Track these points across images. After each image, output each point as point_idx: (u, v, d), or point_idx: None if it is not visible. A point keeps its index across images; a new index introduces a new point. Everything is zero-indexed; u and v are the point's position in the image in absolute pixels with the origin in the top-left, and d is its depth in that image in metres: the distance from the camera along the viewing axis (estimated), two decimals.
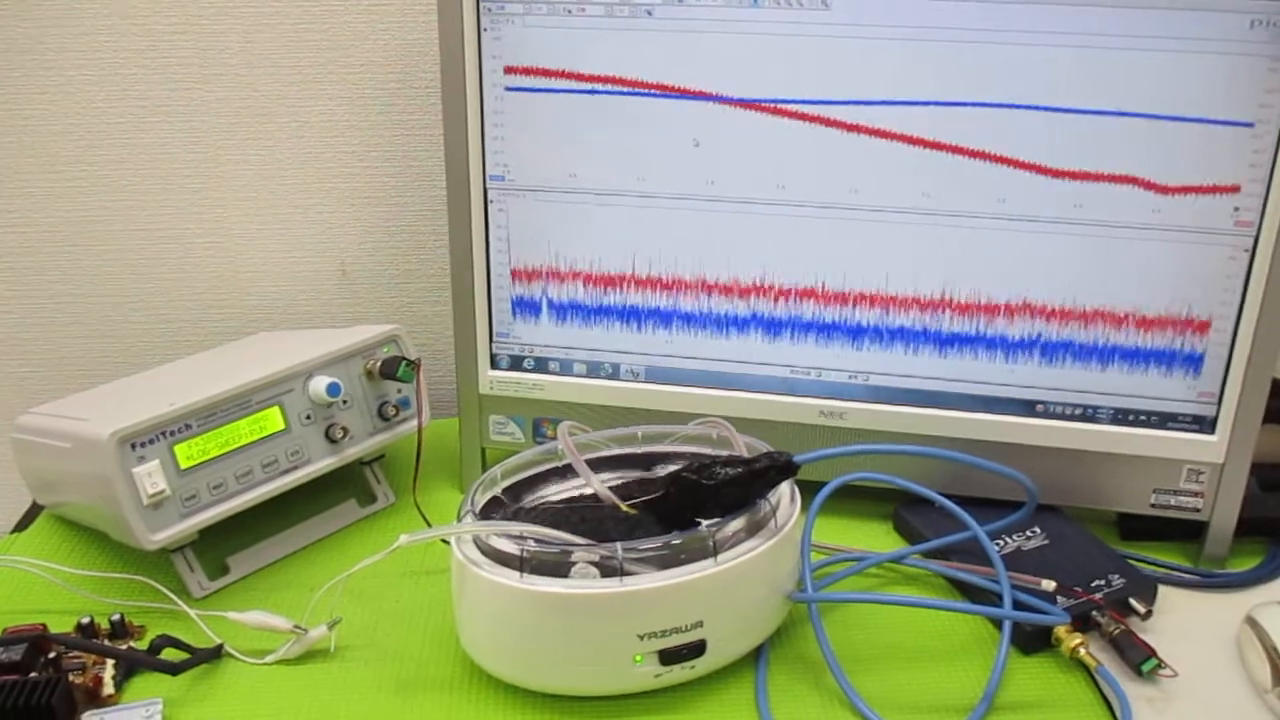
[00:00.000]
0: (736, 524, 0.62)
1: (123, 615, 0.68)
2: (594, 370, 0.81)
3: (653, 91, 0.73)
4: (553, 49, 0.73)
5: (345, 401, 0.77)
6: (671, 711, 0.62)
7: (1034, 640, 0.66)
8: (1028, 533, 0.74)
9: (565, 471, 0.71)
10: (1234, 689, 0.64)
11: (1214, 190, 0.68)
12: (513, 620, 0.60)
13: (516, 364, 0.82)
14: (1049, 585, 0.67)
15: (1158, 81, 0.67)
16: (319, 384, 0.74)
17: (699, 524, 0.63)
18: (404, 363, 0.77)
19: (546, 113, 0.74)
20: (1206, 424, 0.73)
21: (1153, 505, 0.75)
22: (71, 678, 0.63)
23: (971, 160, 0.70)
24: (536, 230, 0.78)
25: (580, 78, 0.73)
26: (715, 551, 0.60)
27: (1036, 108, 0.69)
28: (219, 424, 0.70)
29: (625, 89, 0.73)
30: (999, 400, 0.76)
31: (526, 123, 0.75)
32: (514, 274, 0.79)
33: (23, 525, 0.81)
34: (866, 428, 0.77)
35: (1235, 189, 0.68)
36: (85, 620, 0.67)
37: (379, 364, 0.78)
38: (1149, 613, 0.68)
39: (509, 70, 0.74)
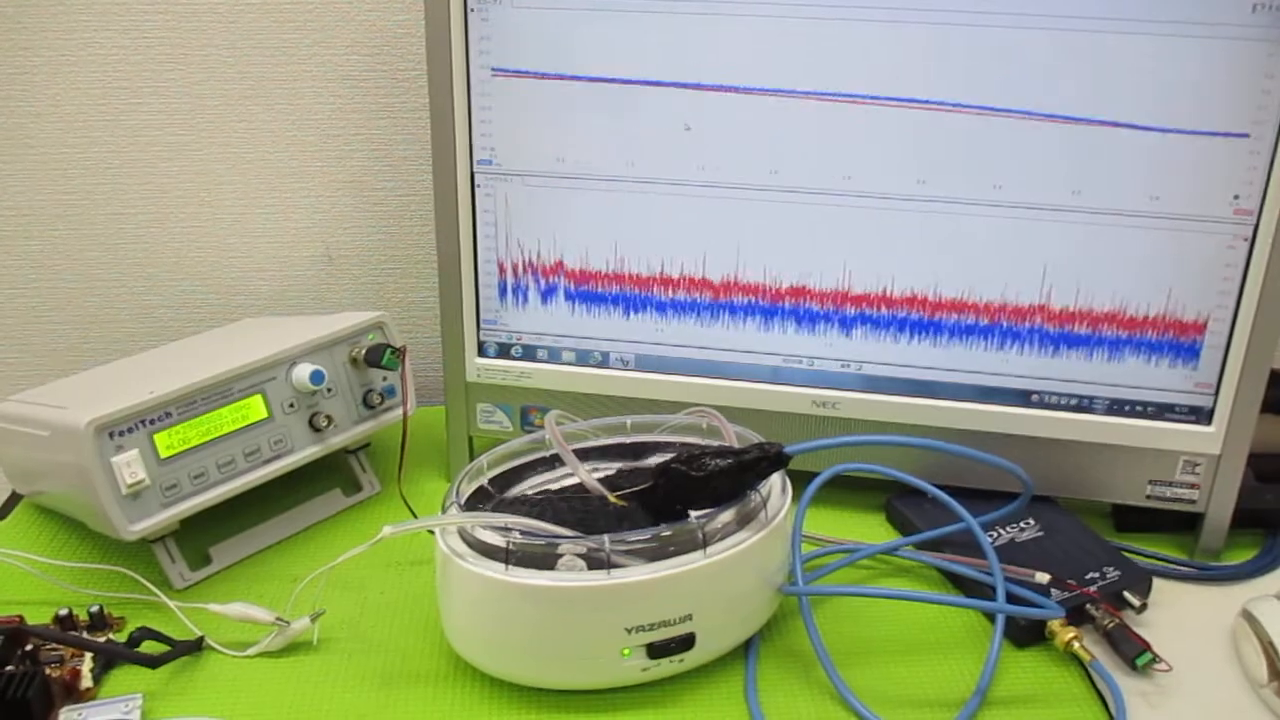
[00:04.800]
0: (726, 516, 0.61)
1: (102, 607, 0.67)
2: (583, 358, 0.80)
3: (643, 77, 0.71)
4: (541, 32, 0.72)
5: (329, 389, 0.76)
6: (660, 705, 0.61)
7: (1027, 633, 0.65)
8: (1022, 524, 0.73)
9: (553, 461, 0.70)
10: (1229, 683, 0.63)
11: (1211, 178, 0.67)
12: (498, 613, 0.60)
13: (504, 352, 0.81)
14: (1043, 578, 0.67)
15: (1156, 67, 0.66)
16: (302, 372, 0.73)
17: (688, 515, 0.62)
18: (389, 350, 0.76)
19: (535, 96, 0.73)
20: (1203, 415, 0.72)
21: (1148, 497, 0.75)
22: (49, 671, 0.62)
23: (967, 147, 0.69)
24: (525, 215, 0.77)
25: (569, 62, 0.72)
26: (705, 543, 0.60)
27: (1032, 94, 0.67)
28: (200, 412, 0.69)
29: (615, 73, 0.72)
30: (993, 390, 0.75)
31: (514, 106, 0.74)
32: (501, 259, 0.78)
33: (1, 514, 0.80)
34: (859, 418, 0.76)
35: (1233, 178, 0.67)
36: (63, 612, 0.66)
37: (364, 351, 0.76)
38: (1144, 606, 0.67)
39: (498, 63, 0.72)
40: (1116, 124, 0.67)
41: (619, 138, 0.73)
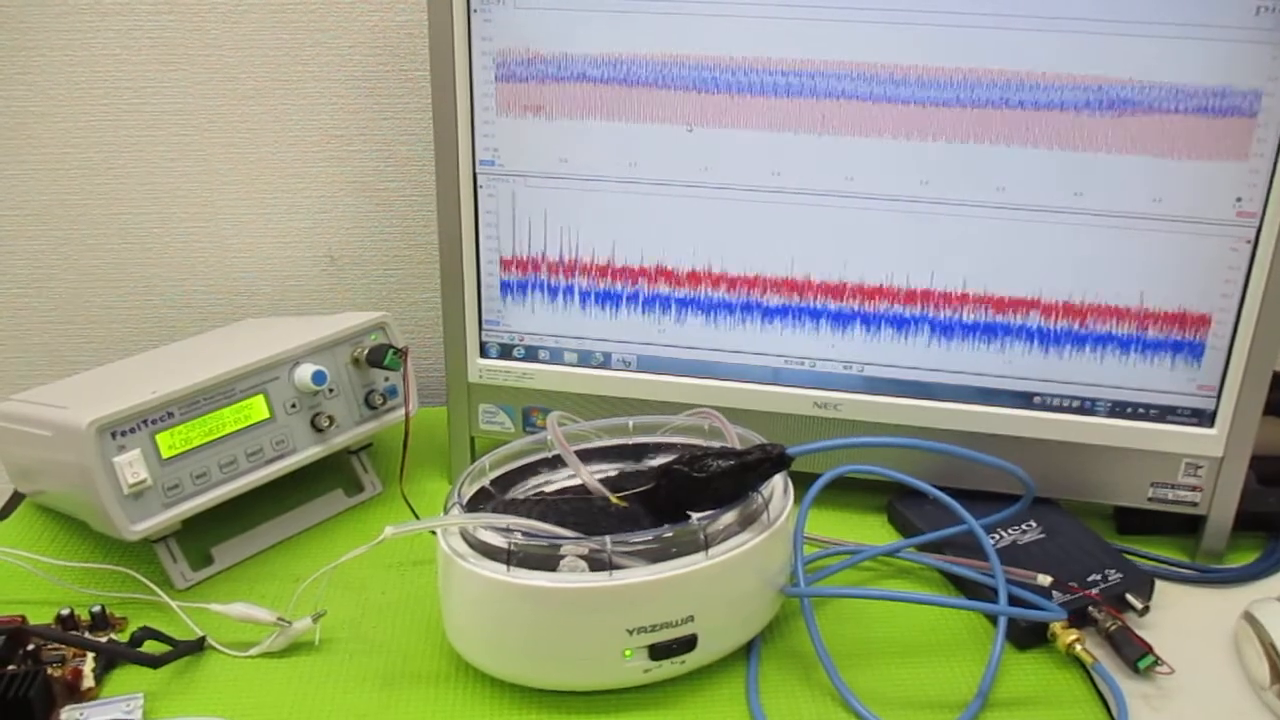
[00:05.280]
0: (728, 517, 0.61)
1: (104, 607, 0.67)
2: (585, 359, 0.80)
3: (645, 78, 0.71)
4: (544, 32, 0.72)
5: (331, 390, 0.76)
6: (661, 707, 0.61)
7: (1029, 636, 0.65)
8: (1024, 526, 0.73)
9: (555, 462, 0.70)
10: (1231, 686, 0.63)
11: (1214, 180, 0.67)
12: (500, 614, 0.60)
13: (506, 352, 0.81)
14: (1045, 580, 0.67)
15: (1158, 69, 0.65)
16: (304, 372, 0.73)
17: (690, 517, 0.62)
18: (391, 350, 0.76)
19: (538, 97, 0.73)
20: (1206, 417, 0.72)
21: (1150, 499, 0.74)
22: (50, 671, 0.62)
23: (969, 148, 0.69)
24: (527, 216, 0.77)
25: (572, 61, 0.72)
26: (706, 545, 0.60)
27: (1035, 96, 0.67)
28: (202, 412, 0.69)
29: (617, 73, 0.72)
30: (996, 392, 0.75)
31: (517, 107, 0.74)
32: (504, 261, 0.78)
33: (3, 514, 0.80)
34: (861, 419, 0.76)
35: (1236, 181, 0.67)
36: (65, 612, 0.66)
37: (366, 352, 0.76)
38: (1146, 608, 0.67)
39: (500, 54, 0.72)
40: (1119, 125, 0.67)
41: (621, 139, 0.73)
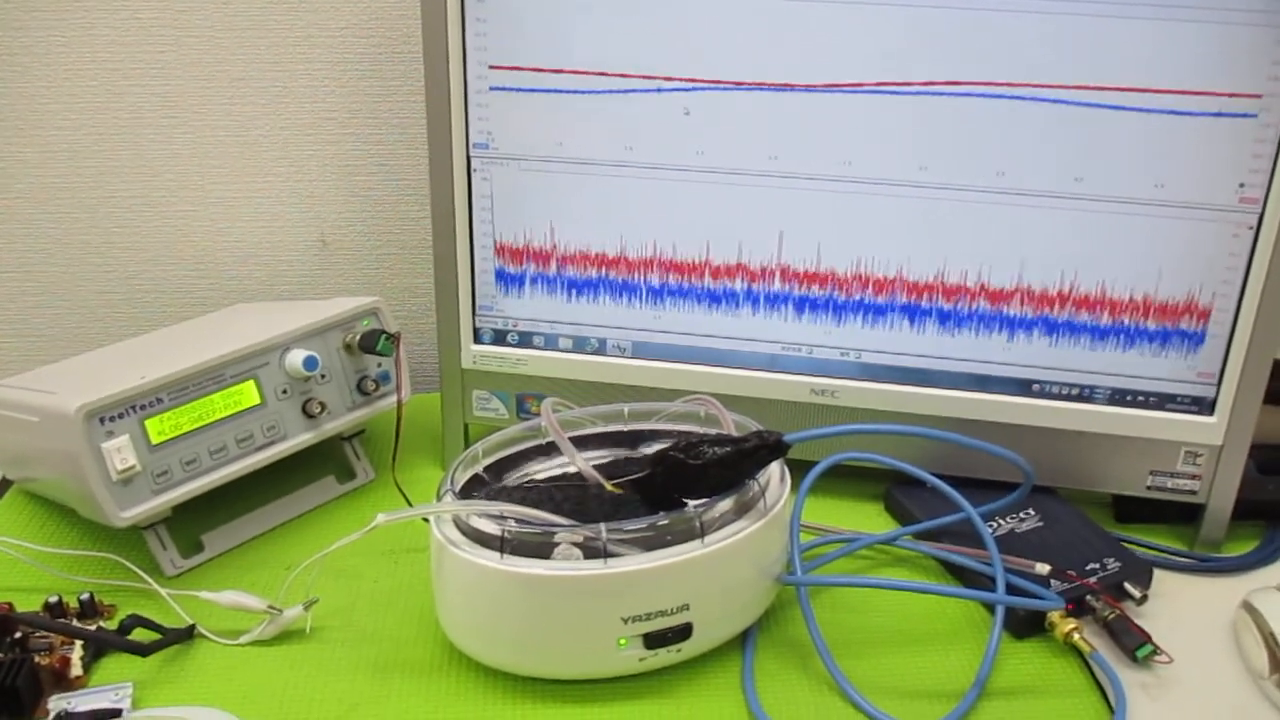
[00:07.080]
0: (724, 505, 0.61)
1: (92, 594, 0.66)
2: (580, 345, 0.79)
3: (641, 59, 0.71)
4: (539, 12, 0.71)
5: (323, 376, 0.75)
6: (656, 696, 0.61)
7: (1027, 625, 0.65)
8: (1022, 514, 0.73)
9: (549, 449, 0.70)
10: (1230, 675, 0.63)
11: (1217, 166, 0.66)
12: (493, 602, 0.59)
13: (500, 338, 0.80)
14: (1043, 569, 0.66)
15: (1161, 51, 0.65)
16: (296, 357, 0.72)
17: (686, 504, 0.61)
18: (383, 336, 0.75)
19: (532, 81, 0.72)
20: (1205, 405, 0.72)
21: (1149, 487, 0.74)
22: (38, 659, 0.61)
23: (968, 133, 0.69)
24: (522, 200, 0.76)
25: (568, 45, 0.71)
26: (702, 533, 0.59)
27: (1035, 80, 0.67)
28: (192, 398, 0.68)
29: (614, 56, 0.71)
30: (994, 379, 0.74)
31: (511, 90, 0.73)
32: (498, 245, 0.77)
33: None
34: (858, 406, 0.76)
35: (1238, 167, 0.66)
36: (53, 599, 0.65)
37: (358, 337, 0.76)
38: (1144, 597, 0.67)
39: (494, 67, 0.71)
40: (1120, 108, 0.66)
41: (617, 122, 0.72)
